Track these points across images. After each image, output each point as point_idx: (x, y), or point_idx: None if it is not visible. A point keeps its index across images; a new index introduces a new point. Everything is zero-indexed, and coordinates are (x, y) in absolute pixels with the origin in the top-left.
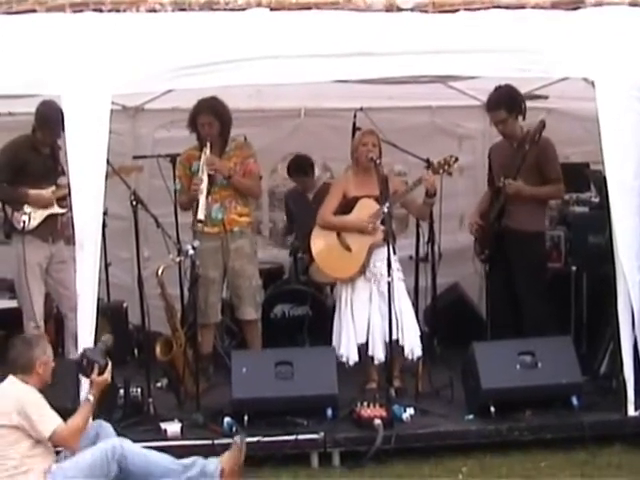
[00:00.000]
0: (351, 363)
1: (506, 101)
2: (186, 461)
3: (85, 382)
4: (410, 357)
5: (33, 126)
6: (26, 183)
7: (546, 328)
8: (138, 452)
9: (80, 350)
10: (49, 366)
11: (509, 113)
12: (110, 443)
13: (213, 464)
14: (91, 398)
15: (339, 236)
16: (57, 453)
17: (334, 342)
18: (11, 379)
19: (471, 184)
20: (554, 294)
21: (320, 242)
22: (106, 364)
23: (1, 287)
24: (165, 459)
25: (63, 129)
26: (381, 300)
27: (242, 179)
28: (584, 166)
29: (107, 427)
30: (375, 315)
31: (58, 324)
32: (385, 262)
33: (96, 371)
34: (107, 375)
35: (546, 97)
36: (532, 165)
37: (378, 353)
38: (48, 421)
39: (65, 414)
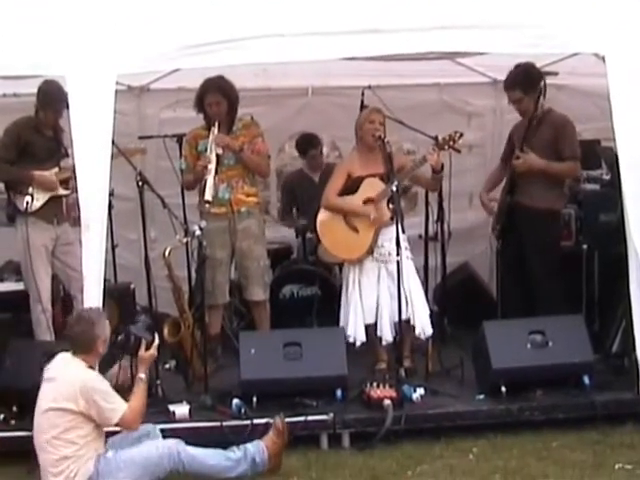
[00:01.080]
0: (358, 344)
1: (522, 80)
2: (237, 454)
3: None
4: (422, 336)
5: (35, 106)
6: (29, 164)
7: (557, 307)
8: (194, 456)
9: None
10: (107, 342)
11: (525, 93)
12: (169, 446)
13: (259, 454)
14: (143, 376)
15: (345, 217)
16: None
17: (341, 323)
18: (74, 361)
19: (480, 162)
20: (565, 273)
21: (326, 224)
22: (152, 339)
23: (8, 269)
24: (219, 459)
25: (66, 109)
26: (390, 280)
27: (252, 155)
28: (595, 143)
29: (154, 428)
30: (384, 295)
31: (65, 306)
32: (393, 242)
33: (143, 347)
34: (153, 350)
35: (556, 73)
36: (548, 141)
37: (386, 334)
38: (116, 408)
39: None
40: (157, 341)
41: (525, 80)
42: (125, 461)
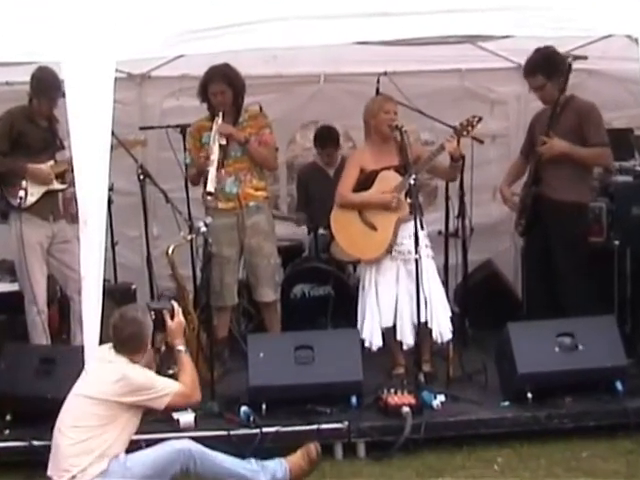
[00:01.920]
0: (374, 348)
1: (543, 65)
2: (254, 466)
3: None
4: (439, 340)
5: (29, 95)
6: (23, 156)
7: (587, 307)
8: (207, 453)
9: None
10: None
11: (547, 78)
12: (181, 445)
13: (282, 472)
14: (182, 348)
15: (361, 214)
16: None
17: (359, 326)
18: (119, 359)
19: (504, 152)
20: (595, 271)
21: (342, 223)
22: (172, 307)
23: (1, 269)
24: (236, 464)
25: (61, 97)
26: (409, 280)
27: (259, 147)
28: (628, 132)
29: None
30: (403, 297)
31: (62, 308)
32: (412, 239)
33: (168, 318)
34: (179, 317)
35: (585, 57)
36: (572, 129)
37: (407, 338)
38: (163, 393)
39: None
40: (177, 308)
41: (547, 64)
42: (134, 460)
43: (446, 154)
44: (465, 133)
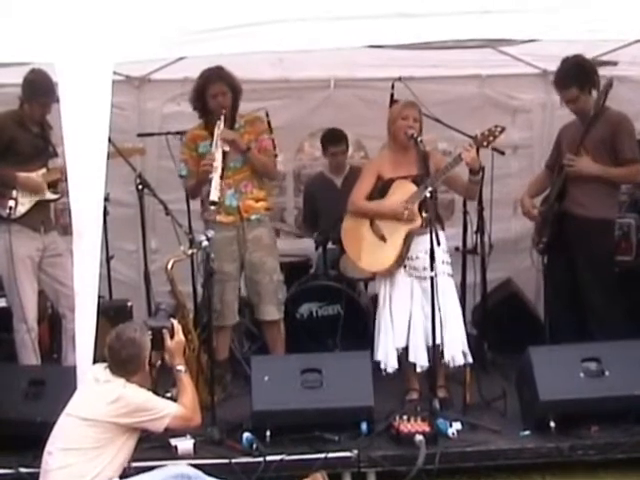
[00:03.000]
0: (390, 370)
1: (577, 75)
2: None
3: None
4: (451, 364)
5: (20, 99)
6: (12, 164)
7: (614, 330)
8: None
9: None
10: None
11: (581, 90)
12: (179, 470)
13: None
14: (181, 367)
15: (372, 224)
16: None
17: (375, 346)
18: (115, 380)
19: (526, 164)
20: (623, 291)
21: (352, 233)
22: (172, 325)
23: None
24: None
25: (54, 101)
26: (424, 298)
27: (259, 155)
28: None
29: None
30: (417, 316)
31: (52, 325)
32: (428, 254)
33: (168, 337)
34: (179, 336)
35: (615, 63)
36: (602, 141)
37: (421, 359)
38: (160, 415)
39: None
40: (176, 325)
41: (579, 75)
42: None
43: (464, 166)
44: (485, 144)
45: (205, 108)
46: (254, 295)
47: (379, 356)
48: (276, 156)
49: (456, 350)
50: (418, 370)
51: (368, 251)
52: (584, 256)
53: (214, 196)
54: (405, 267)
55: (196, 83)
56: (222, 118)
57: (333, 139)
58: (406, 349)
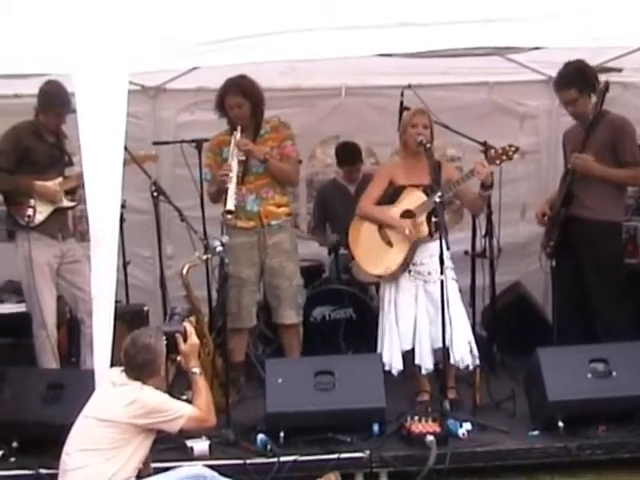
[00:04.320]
0: (395, 372)
1: (577, 78)
2: None
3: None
4: (460, 365)
5: (36, 109)
6: (30, 173)
7: (621, 332)
8: None
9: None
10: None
11: (580, 92)
12: (195, 471)
13: None
14: (196, 370)
15: (381, 229)
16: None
17: (379, 349)
18: (131, 383)
19: (534, 169)
20: (630, 293)
21: (359, 234)
22: (185, 329)
23: (8, 290)
24: None
25: (68, 112)
26: (428, 302)
27: (279, 163)
28: None
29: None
30: (422, 319)
31: (71, 330)
32: (433, 259)
33: (181, 341)
34: (192, 339)
35: (620, 70)
36: (604, 144)
37: (426, 362)
38: (176, 416)
39: None
40: (189, 328)
41: (580, 78)
42: None
43: (476, 179)
44: (498, 162)
45: (229, 116)
46: (273, 299)
47: (384, 358)
48: (300, 162)
49: (464, 352)
50: (423, 372)
51: (374, 255)
52: (591, 259)
53: (230, 205)
54: (410, 272)
55: (218, 92)
56: (238, 129)
57: (349, 159)
58: (412, 352)
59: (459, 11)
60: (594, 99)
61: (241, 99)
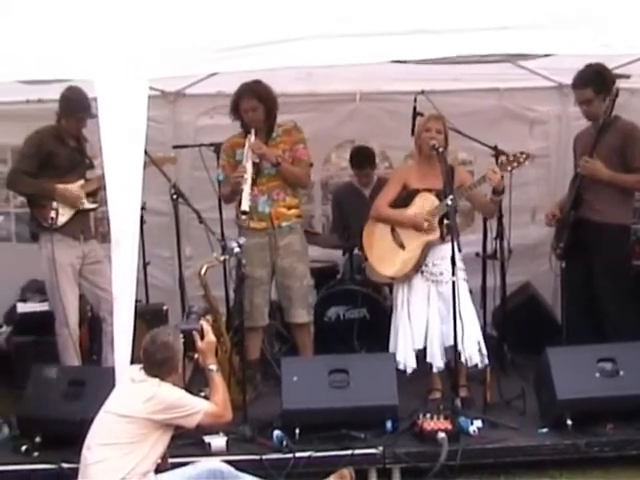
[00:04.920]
0: (409, 370)
1: (595, 79)
2: None
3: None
4: (469, 364)
5: (57, 114)
6: (52, 176)
7: (629, 332)
8: (240, 477)
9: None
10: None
11: (597, 93)
12: (212, 465)
13: None
14: (213, 367)
15: (393, 232)
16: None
17: (391, 348)
18: (150, 380)
19: (544, 173)
20: (638, 294)
21: (372, 237)
22: (201, 327)
23: (31, 289)
24: None
25: (89, 117)
26: (440, 302)
27: (291, 167)
28: None
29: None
30: (433, 318)
31: (92, 328)
32: (445, 260)
33: (198, 339)
34: (209, 337)
35: (628, 76)
36: (613, 149)
37: (437, 360)
38: (193, 411)
39: None
40: (206, 326)
41: (598, 79)
42: (164, 479)
43: (487, 184)
44: (509, 169)
45: (242, 119)
46: (285, 299)
47: (398, 357)
48: (311, 165)
49: (473, 350)
50: (435, 370)
51: (387, 256)
52: (601, 262)
53: (245, 206)
54: (422, 272)
55: (233, 97)
56: (252, 132)
57: (362, 163)
58: (424, 350)
59: (472, 19)
60: (608, 103)
61: (255, 103)
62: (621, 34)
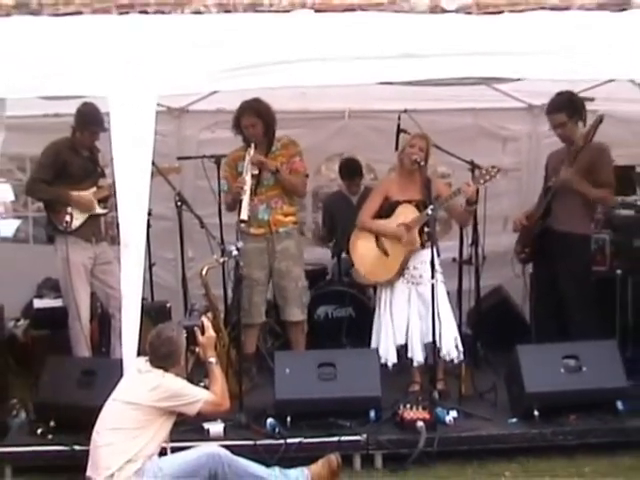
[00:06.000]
0: (390, 365)
1: (567, 105)
2: (278, 474)
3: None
4: (447, 358)
5: (72, 127)
6: (67, 184)
7: (591, 332)
8: (236, 460)
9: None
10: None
11: (569, 117)
12: (211, 450)
13: (303, 477)
14: (213, 360)
15: (378, 240)
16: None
17: (373, 344)
18: (155, 371)
19: (515, 186)
20: (599, 298)
21: (359, 245)
22: (202, 323)
23: (46, 286)
24: (260, 471)
25: (102, 130)
26: (420, 302)
27: (289, 176)
28: (630, 169)
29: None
30: (414, 317)
31: (101, 323)
32: (425, 264)
33: (199, 334)
34: (209, 332)
35: (592, 99)
36: (585, 167)
37: (417, 355)
38: (193, 400)
39: None
40: (206, 322)
41: (570, 105)
42: (166, 461)
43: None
44: (482, 182)
45: (244, 134)
46: (281, 299)
47: (381, 352)
48: (307, 176)
49: (450, 346)
50: (415, 365)
51: (372, 263)
52: (566, 266)
53: (244, 215)
54: (404, 275)
55: (235, 113)
56: (252, 146)
57: (351, 173)
58: (404, 347)
59: (451, 45)
60: (581, 126)
61: (255, 119)
62: (586, 61)
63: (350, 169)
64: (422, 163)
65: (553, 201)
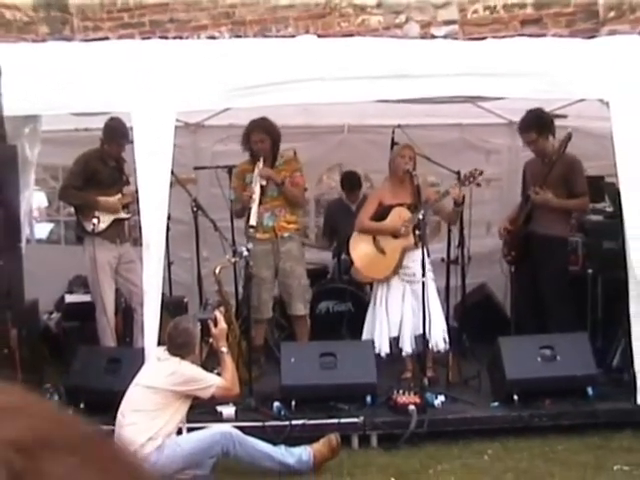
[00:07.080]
0: (383, 354)
1: (536, 123)
2: (284, 451)
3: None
4: (435, 349)
5: (101, 140)
6: (95, 191)
7: (565, 325)
8: (246, 438)
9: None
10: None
11: (539, 134)
12: (223, 429)
13: (307, 455)
14: (224, 349)
15: (375, 240)
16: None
17: (364, 335)
18: (173, 359)
19: (497, 194)
20: (572, 294)
21: (358, 246)
22: (215, 316)
23: (76, 283)
24: (268, 449)
25: (127, 143)
26: (413, 298)
27: (291, 187)
28: (599, 179)
29: None
30: (407, 311)
31: (125, 316)
32: (417, 263)
33: (212, 326)
34: (221, 324)
35: (565, 116)
36: (559, 178)
37: (406, 346)
38: (207, 385)
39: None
40: (219, 315)
41: (538, 123)
42: (184, 438)
43: (450, 198)
44: (467, 183)
45: (252, 149)
46: (286, 295)
47: (375, 343)
48: (306, 189)
49: (439, 337)
50: (404, 354)
51: (370, 262)
52: (545, 266)
53: (253, 221)
54: (399, 273)
55: (244, 130)
56: (261, 160)
57: (352, 185)
58: (397, 338)
59: (441, 67)
60: (552, 140)
61: (264, 135)
62: (560, 82)
63: (351, 181)
64: (414, 173)
65: (534, 210)
